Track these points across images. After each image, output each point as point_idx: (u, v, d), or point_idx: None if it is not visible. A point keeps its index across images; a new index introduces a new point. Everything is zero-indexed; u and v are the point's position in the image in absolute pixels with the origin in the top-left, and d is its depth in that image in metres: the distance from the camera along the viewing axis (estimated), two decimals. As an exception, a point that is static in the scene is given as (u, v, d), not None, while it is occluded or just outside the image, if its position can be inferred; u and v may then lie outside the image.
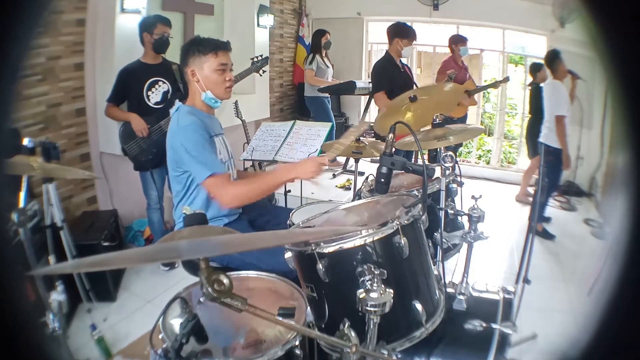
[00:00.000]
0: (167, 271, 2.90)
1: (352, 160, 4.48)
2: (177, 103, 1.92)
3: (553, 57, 3.48)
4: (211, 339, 0.98)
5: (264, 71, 3.12)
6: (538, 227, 3.46)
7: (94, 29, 2.93)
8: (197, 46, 1.73)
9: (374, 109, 4.95)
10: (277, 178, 1.65)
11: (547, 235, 3.52)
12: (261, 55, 3.14)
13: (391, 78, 3.29)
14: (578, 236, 3.66)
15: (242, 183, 1.80)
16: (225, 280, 0.75)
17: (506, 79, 4.44)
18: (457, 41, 4.30)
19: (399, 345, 1.09)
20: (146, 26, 2.70)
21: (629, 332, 0.40)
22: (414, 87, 3.47)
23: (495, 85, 4.47)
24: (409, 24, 3.51)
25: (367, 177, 1.96)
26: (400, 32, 3.32)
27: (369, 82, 4.90)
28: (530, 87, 4.38)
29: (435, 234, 1.63)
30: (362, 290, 0.97)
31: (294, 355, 1.05)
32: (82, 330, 2.16)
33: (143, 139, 2.72)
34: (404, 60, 3.51)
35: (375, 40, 6.12)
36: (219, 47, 1.73)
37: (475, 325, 1.24)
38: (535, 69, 4.25)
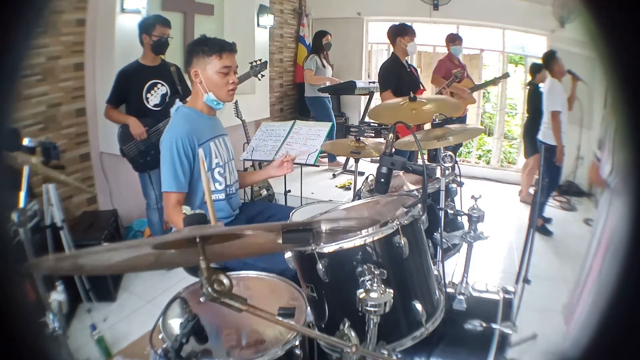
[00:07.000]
0: (167, 271, 2.90)
1: (352, 160, 4.48)
2: (178, 103, 1.91)
3: (550, 57, 3.59)
4: (211, 338, 0.98)
5: (262, 75, 3.12)
6: (537, 221, 3.50)
7: (94, 29, 2.93)
8: (201, 46, 1.69)
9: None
10: None
11: (545, 231, 3.56)
12: (260, 60, 3.13)
13: (398, 77, 3.40)
14: (578, 236, 3.66)
15: (178, 218, 1.63)
16: (225, 280, 0.75)
17: (506, 75, 4.44)
18: (452, 40, 4.32)
19: (399, 345, 1.09)
20: (145, 27, 2.68)
21: (629, 332, 0.40)
22: (420, 87, 3.52)
23: (494, 82, 4.45)
24: (408, 23, 3.61)
25: (367, 177, 1.96)
26: (400, 31, 3.46)
27: (369, 82, 4.92)
28: (528, 87, 4.40)
29: (435, 234, 1.63)
30: (362, 290, 0.97)
31: (294, 355, 1.05)
32: (82, 330, 2.16)
33: (142, 141, 2.72)
34: (413, 63, 3.58)
35: (375, 40, 6.11)
36: (223, 48, 1.69)
37: (475, 325, 1.24)
38: (535, 69, 4.25)
